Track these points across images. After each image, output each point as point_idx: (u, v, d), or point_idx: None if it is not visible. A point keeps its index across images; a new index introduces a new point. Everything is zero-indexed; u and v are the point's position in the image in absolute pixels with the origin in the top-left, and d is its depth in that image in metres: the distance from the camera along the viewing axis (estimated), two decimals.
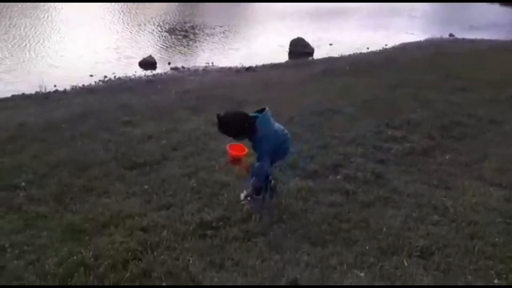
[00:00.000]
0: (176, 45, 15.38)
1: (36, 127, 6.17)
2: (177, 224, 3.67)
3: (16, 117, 6.97)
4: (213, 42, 15.87)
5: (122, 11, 21.46)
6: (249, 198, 3.94)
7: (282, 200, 4.03)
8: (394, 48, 14.53)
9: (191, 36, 16.77)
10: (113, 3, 22.32)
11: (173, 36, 16.57)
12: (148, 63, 12.50)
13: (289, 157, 4.31)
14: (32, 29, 16.32)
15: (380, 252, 3.36)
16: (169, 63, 12.75)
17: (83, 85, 10.36)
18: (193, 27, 18.04)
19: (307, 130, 5.76)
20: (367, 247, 3.41)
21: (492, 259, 3.31)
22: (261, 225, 3.67)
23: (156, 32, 17.08)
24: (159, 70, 12.18)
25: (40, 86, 9.63)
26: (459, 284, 3.08)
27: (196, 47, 15.42)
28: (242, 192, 4.01)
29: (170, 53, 14.22)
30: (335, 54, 13.65)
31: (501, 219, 3.83)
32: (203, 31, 17.46)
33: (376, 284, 3.06)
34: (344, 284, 3.05)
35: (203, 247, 3.39)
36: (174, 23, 18.73)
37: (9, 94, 9.38)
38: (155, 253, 3.30)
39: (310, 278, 3.09)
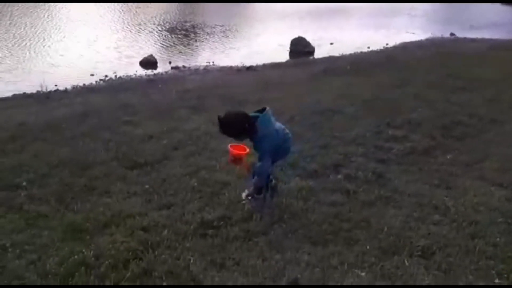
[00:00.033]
0: (177, 45, 15.38)
1: (37, 127, 6.17)
2: (178, 224, 3.68)
3: (17, 116, 6.97)
4: (213, 42, 15.87)
5: (122, 10, 21.45)
6: (250, 198, 3.94)
7: (283, 199, 4.03)
8: (395, 48, 14.51)
9: (192, 36, 16.77)
10: (113, 3, 22.29)
11: (173, 36, 16.57)
12: (149, 63, 12.50)
13: (290, 156, 4.31)
14: (33, 28, 16.32)
15: (381, 252, 3.36)
16: (170, 62, 12.75)
17: (84, 84, 10.36)
18: (193, 27, 18.03)
19: (308, 129, 5.76)
20: (368, 247, 3.41)
21: (493, 259, 3.31)
22: (262, 224, 3.67)
23: (157, 32, 17.07)
24: (160, 69, 12.18)
25: (41, 86, 9.64)
26: (460, 284, 3.08)
27: (197, 46, 15.41)
28: (243, 191, 4.02)
29: (171, 53, 14.22)
30: (336, 53, 13.64)
31: (502, 219, 3.82)
32: (203, 30, 17.46)
33: (377, 283, 3.06)
34: (345, 283, 3.05)
35: (204, 247, 3.40)
36: (175, 23, 18.72)
37: (10, 94, 9.39)
38: (156, 253, 3.30)
39: (310, 278, 3.09)
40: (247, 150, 3.79)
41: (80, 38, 15.10)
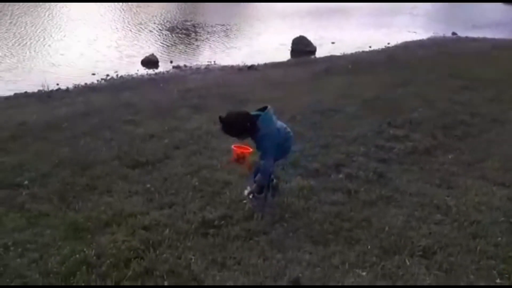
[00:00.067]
0: (178, 44, 15.39)
1: (38, 126, 6.18)
2: (179, 223, 3.68)
3: (18, 115, 6.99)
4: (215, 41, 15.88)
5: (123, 9, 21.47)
6: (252, 195, 3.93)
7: (284, 199, 4.03)
8: (396, 47, 14.51)
9: (193, 35, 16.78)
10: (114, 3, 22.29)
11: (175, 35, 16.58)
12: (150, 62, 12.52)
13: (291, 156, 4.31)
14: (33, 27, 16.34)
15: (382, 252, 3.36)
16: (171, 62, 12.77)
17: (86, 83, 10.39)
18: (194, 26, 18.04)
19: (309, 129, 5.76)
20: (369, 247, 3.41)
21: (495, 258, 3.30)
22: (263, 224, 3.67)
23: (158, 31, 17.09)
24: (161, 68, 12.20)
25: (43, 85, 9.66)
26: (462, 283, 3.08)
27: (198, 45, 15.42)
28: (245, 188, 4.01)
29: (172, 52, 14.24)
30: (337, 52, 13.64)
31: (504, 218, 3.81)
32: (204, 30, 17.46)
33: (378, 283, 3.05)
34: (346, 283, 3.05)
35: (205, 246, 3.40)
36: (176, 22, 18.74)
37: (11, 93, 9.42)
38: (157, 252, 3.31)
39: (312, 277, 3.09)
40: (250, 149, 3.79)
41: (80, 37, 15.12)
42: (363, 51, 13.81)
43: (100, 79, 10.84)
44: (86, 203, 4.05)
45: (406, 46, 14.39)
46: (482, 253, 3.36)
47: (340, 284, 3.04)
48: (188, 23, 18.47)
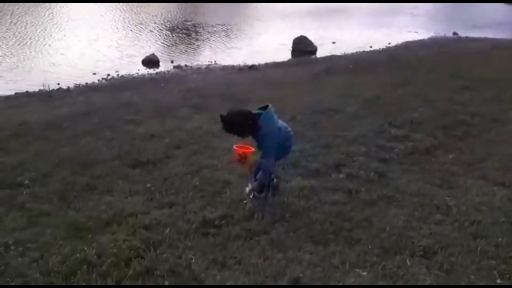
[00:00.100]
0: (179, 44, 15.40)
1: (39, 125, 6.19)
2: (179, 223, 3.68)
3: (19, 115, 7.00)
4: (215, 41, 15.89)
5: (123, 9, 21.48)
6: (253, 192, 3.93)
7: (285, 198, 4.03)
8: (397, 47, 14.51)
9: (193, 35, 16.78)
10: (114, 3, 22.29)
11: (175, 35, 16.59)
12: (151, 61, 12.53)
13: (292, 155, 4.31)
14: (33, 27, 16.36)
15: (383, 252, 3.36)
16: (172, 62, 12.78)
17: (87, 83, 10.40)
18: (195, 26, 18.05)
19: (310, 128, 5.76)
20: (369, 246, 3.41)
21: (495, 259, 3.30)
22: (263, 223, 3.67)
23: (159, 31, 17.10)
24: (162, 68, 12.21)
25: (43, 84, 9.68)
26: (462, 284, 3.07)
27: (199, 45, 15.43)
28: (247, 186, 4.00)
29: (172, 52, 14.25)
30: (338, 52, 13.64)
31: (504, 218, 3.81)
32: (205, 30, 17.47)
33: (379, 283, 3.05)
34: (346, 283, 3.05)
35: (205, 246, 3.40)
36: (176, 22, 18.75)
37: (12, 92, 9.44)
38: (158, 251, 3.31)
39: (312, 277, 3.09)
40: (252, 149, 3.79)
41: (81, 37, 15.13)
42: (364, 51, 13.81)
43: (101, 79, 10.85)
44: (86, 203, 4.05)
45: (407, 46, 14.39)
46: (482, 253, 3.35)
47: (340, 284, 3.04)
48: (189, 23, 18.47)
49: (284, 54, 13.97)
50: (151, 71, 11.89)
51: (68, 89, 9.88)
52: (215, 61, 12.84)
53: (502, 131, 5.94)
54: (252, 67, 11.79)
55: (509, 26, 18.84)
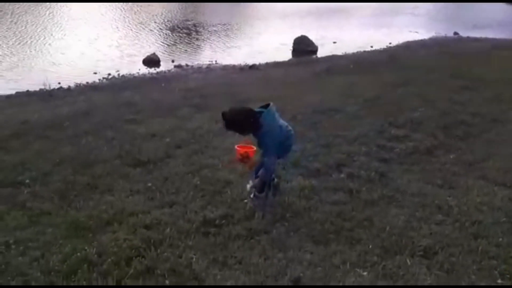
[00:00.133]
0: (179, 43, 15.40)
1: (40, 125, 6.19)
2: (180, 222, 3.69)
3: (20, 114, 7.00)
4: (216, 40, 15.88)
5: (124, 8, 21.46)
6: (253, 195, 3.94)
7: (285, 198, 4.03)
8: (398, 47, 14.50)
9: (194, 34, 16.78)
10: (114, 3, 22.27)
11: (176, 34, 16.59)
12: (151, 61, 12.53)
13: (292, 155, 4.31)
14: (34, 26, 16.35)
15: (383, 251, 3.36)
16: (172, 61, 12.77)
17: (87, 82, 10.40)
18: (195, 25, 18.04)
19: (310, 128, 5.76)
20: (370, 246, 3.41)
21: (496, 259, 3.30)
22: (264, 223, 3.68)
23: (159, 30, 17.09)
24: (163, 67, 12.21)
25: (44, 84, 9.68)
26: (463, 283, 3.07)
27: (199, 45, 15.43)
28: (248, 183, 3.99)
29: (173, 51, 14.24)
30: (339, 52, 13.63)
31: (505, 219, 3.81)
32: (206, 29, 17.47)
33: (379, 283, 3.05)
34: (347, 283, 3.05)
35: (206, 245, 3.40)
36: (177, 21, 18.74)
37: (12, 92, 9.44)
38: (159, 251, 3.31)
39: (312, 277, 3.09)
40: (254, 148, 3.78)
41: (81, 36, 15.13)
42: (364, 51, 13.81)
43: (101, 78, 10.85)
44: (87, 202, 4.06)
45: (408, 46, 14.39)
46: (483, 253, 3.35)
47: (341, 284, 3.04)
48: (189, 23, 18.47)
49: (285, 53, 13.96)
50: (152, 70, 11.89)
51: (69, 88, 9.88)
52: (215, 61, 12.84)
53: (503, 131, 5.94)
54: (253, 67, 11.79)
55: (510, 26, 18.82)
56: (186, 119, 6.43)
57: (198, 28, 17.61)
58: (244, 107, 3.74)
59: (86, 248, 3.32)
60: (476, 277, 3.13)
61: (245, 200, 3.97)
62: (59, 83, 10.13)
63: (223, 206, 3.92)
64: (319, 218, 3.76)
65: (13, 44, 13.82)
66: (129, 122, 6.23)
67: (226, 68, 12.01)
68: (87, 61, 12.25)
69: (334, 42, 15.41)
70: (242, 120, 3.56)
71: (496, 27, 18.50)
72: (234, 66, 12.16)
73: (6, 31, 15.42)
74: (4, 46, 13.41)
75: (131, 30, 16.97)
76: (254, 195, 3.95)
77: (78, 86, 10.08)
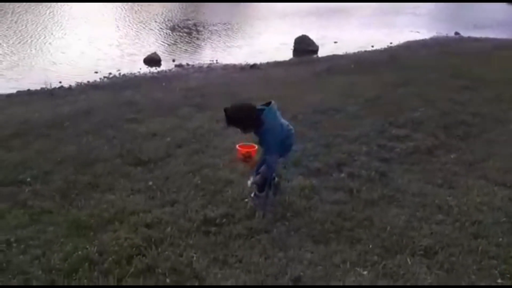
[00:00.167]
0: (180, 42, 15.40)
1: (41, 124, 6.20)
2: (181, 221, 3.70)
3: (21, 113, 7.02)
4: (216, 40, 15.88)
5: (124, 8, 21.45)
6: (255, 192, 3.94)
7: (286, 197, 4.04)
8: (398, 47, 14.49)
9: (195, 34, 16.78)
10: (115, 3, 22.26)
11: (176, 34, 16.58)
12: (152, 60, 12.53)
13: (293, 155, 4.32)
14: (34, 25, 16.35)
15: (384, 251, 3.37)
16: (173, 60, 12.77)
17: (88, 81, 10.41)
18: (196, 25, 18.03)
19: (311, 128, 5.77)
20: (370, 246, 3.42)
21: (496, 259, 3.31)
22: (264, 222, 3.69)
23: (160, 29, 17.09)
24: (164, 67, 12.21)
25: (45, 83, 9.70)
26: (463, 283, 3.08)
27: (200, 44, 15.42)
28: (249, 179, 3.95)
29: (174, 50, 14.24)
30: (340, 52, 13.62)
31: (505, 219, 3.81)
32: (206, 29, 17.46)
33: (379, 282, 3.06)
34: (347, 282, 3.06)
35: (207, 244, 3.41)
36: (177, 21, 18.73)
37: (13, 91, 9.44)
38: (159, 249, 3.32)
39: (313, 276, 3.10)
40: (255, 147, 3.78)
41: (82, 36, 15.13)
42: (365, 51, 13.80)
43: (102, 77, 10.85)
44: (88, 201, 4.07)
45: (409, 46, 14.37)
46: (483, 253, 3.36)
47: (341, 283, 3.05)
48: (190, 22, 18.46)
49: (286, 53, 13.96)
50: (153, 69, 11.90)
51: (70, 87, 9.89)
52: (216, 60, 12.84)
53: (503, 131, 5.94)
54: (253, 66, 11.79)
55: (510, 26, 18.79)
56: (187, 118, 6.43)
57: (198, 28, 17.60)
58: (246, 103, 3.72)
59: (87, 246, 3.34)
60: (476, 276, 3.14)
61: (246, 200, 3.98)
62: (60, 82, 10.14)
63: (223, 205, 3.93)
64: (320, 218, 3.76)
65: (13, 43, 13.83)
66: (130, 121, 6.24)
67: (226, 67, 12.00)
68: (88, 60, 12.25)
69: (335, 42, 15.40)
70: (244, 117, 3.55)
71: (497, 27, 18.47)
72: (235, 65, 12.16)
73: (7, 30, 15.42)
74: (5, 45, 13.41)
75: (132, 29, 16.98)
76: (255, 194, 3.96)
77: (79, 85, 10.09)
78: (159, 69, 12.01)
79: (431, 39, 15.92)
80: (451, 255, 3.33)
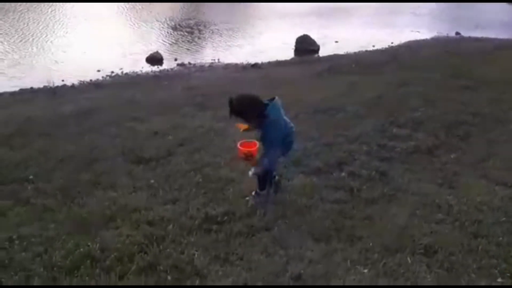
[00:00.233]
0: (182, 42, 15.40)
1: (43, 122, 6.23)
2: (182, 219, 3.71)
3: (23, 111, 7.03)
4: (218, 39, 15.88)
5: (126, 7, 21.47)
6: (255, 192, 3.95)
7: (286, 196, 4.05)
8: (399, 46, 14.48)
9: (196, 33, 16.79)
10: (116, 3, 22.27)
11: (178, 33, 16.59)
12: (154, 59, 12.55)
13: (293, 154, 4.33)
14: (37, 23, 16.38)
15: (384, 249, 3.38)
16: (175, 59, 12.78)
17: (91, 80, 10.42)
18: (197, 24, 18.04)
19: (312, 127, 5.78)
20: (371, 244, 3.43)
21: (496, 258, 3.31)
22: (265, 220, 3.70)
23: (162, 29, 17.10)
24: (166, 66, 12.22)
25: (48, 81, 9.71)
26: (463, 282, 3.09)
27: (202, 43, 15.43)
28: (250, 170, 3.92)
29: (176, 49, 14.25)
30: (341, 51, 13.62)
31: (505, 218, 3.82)
32: (208, 28, 17.46)
33: (380, 281, 3.07)
34: (348, 280, 3.07)
35: (208, 242, 3.43)
36: (179, 20, 18.73)
37: (16, 89, 9.46)
38: (161, 247, 3.34)
39: (313, 274, 3.11)
40: (257, 145, 3.79)
41: (84, 34, 15.15)
42: (366, 50, 13.80)
43: (105, 76, 10.87)
44: (90, 198, 4.09)
45: (410, 46, 14.37)
46: (483, 252, 3.37)
47: (341, 281, 3.06)
48: (191, 22, 18.47)
49: (287, 53, 13.96)
50: (155, 68, 11.91)
51: (73, 86, 9.91)
52: (218, 59, 12.85)
53: (504, 131, 5.95)
54: (255, 66, 11.80)
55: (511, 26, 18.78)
56: (189, 117, 6.46)
57: (200, 27, 17.61)
58: (252, 94, 3.70)
59: (89, 244, 3.36)
60: (476, 275, 3.15)
61: (247, 198, 4.00)
62: (63, 80, 10.16)
63: (224, 203, 3.95)
64: (320, 216, 3.78)
65: (15, 41, 13.85)
66: (132, 120, 6.26)
67: (228, 66, 12.01)
68: (91, 59, 12.26)
69: (336, 42, 15.39)
70: (249, 106, 3.54)
71: (498, 27, 18.44)
72: (236, 64, 12.17)
73: (9, 28, 15.45)
74: (6, 44, 13.44)
75: (134, 28, 17.00)
76: (256, 193, 3.98)
77: (81, 83, 10.11)
78: (161, 68, 12.03)
79: (432, 39, 15.91)
80: (451, 254, 3.34)
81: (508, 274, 3.17)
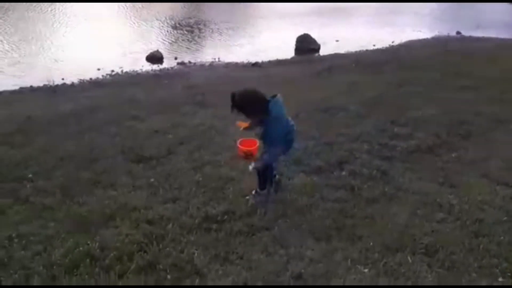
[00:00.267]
0: (183, 41, 15.39)
1: (43, 120, 6.22)
2: (182, 218, 3.70)
3: (24, 110, 7.03)
4: (218, 38, 15.87)
5: (126, 6, 21.45)
6: (255, 191, 3.93)
7: (287, 195, 4.04)
8: (400, 46, 14.46)
9: (197, 32, 16.77)
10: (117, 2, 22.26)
11: (179, 32, 16.58)
12: (155, 58, 12.53)
13: (294, 153, 4.32)
14: (37, 22, 16.37)
15: (385, 249, 3.37)
16: (175, 58, 12.77)
17: (91, 79, 10.41)
18: (198, 23, 18.02)
19: (313, 126, 5.77)
20: (371, 243, 3.42)
21: (497, 257, 3.31)
22: (265, 219, 3.69)
23: (162, 28, 17.09)
24: (166, 64, 12.21)
25: (48, 80, 9.70)
26: (463, 281, 3.08)
27: (202, 42, 15.42)
28: (250, 164, 3.87)
29: (176, 48, 14.23)
30: (341, 51, 13.60)
31: (506, 218, 3.81)
32: (208, 27, 17.45)
33: (380, 280, 3.06)
34: (348, 279, 3.06)
35: (208, 241, 3.42)
36: (179, 19, 18.71)
37: (16, 87, 9.44)
38: (161, 246, 3.33)
39: (314, 273, 3.10)
40: (256, 143, 3.78)
41: (85, 33, 15.14)
42: (367, 50, 13.78)
43: (105, 75, 10.85)
44: (90, 197, 4.08)
45: (410, 45, 14.35)
46: (484, 251, 3.36)
47: (342, 280, 3.05)
48: (192, 21, 18.45)
49: (288, 52, 13.94)
50: (155, 67, 11.89)
51: (73, 84, 9.89)
52: (218, 58, 12.83)
53: (505, 131, 5.93)
54: (255, 65, 11.79)
55: None
56: (189, 115, 6.44)
57: (200, 26, 17.59)
58: (255, 89, 3.64)
59: (88, 242, 3.35)
60: (477, 275, 3.14)
61: (247, 197, 3.99)
62: (63, 79, 10.14)
63: (224, 202, 3.94)
64: (321, 215, 3.77)
65: (14, 40, 13.83)
66: (132, 119, 6.25)
67: (228, 65, 12.00)
68: (91, 58, 12.24)
69: (337, 41, 15.38)
70: (251, 100, 3.50)
71: (499, 27, 18.40)
72: (237, 63, 12.15)
73: (8, 27, 15.44)
74: (6, 43, 13.43)
75: (134, 27, 16.98)
76: (256, 192, 3.97)
77: (81, 82, 10.10)
78: (161, 66, 12.01)
79: (433, 38, 15.89)
80: (452, 253, 3.33)
81: (509, 274, 3.16)
